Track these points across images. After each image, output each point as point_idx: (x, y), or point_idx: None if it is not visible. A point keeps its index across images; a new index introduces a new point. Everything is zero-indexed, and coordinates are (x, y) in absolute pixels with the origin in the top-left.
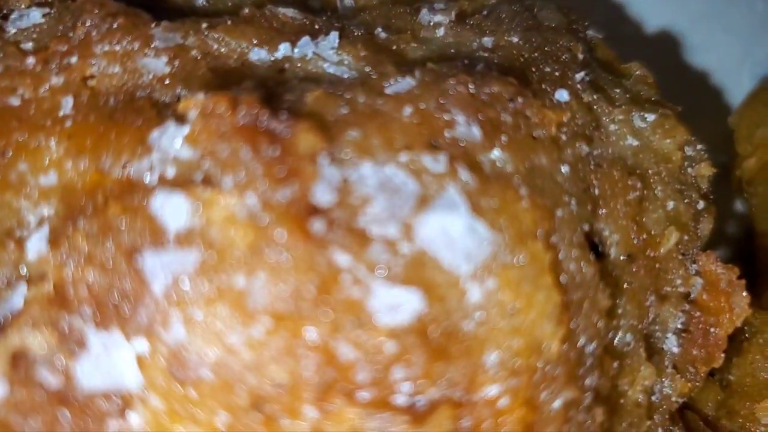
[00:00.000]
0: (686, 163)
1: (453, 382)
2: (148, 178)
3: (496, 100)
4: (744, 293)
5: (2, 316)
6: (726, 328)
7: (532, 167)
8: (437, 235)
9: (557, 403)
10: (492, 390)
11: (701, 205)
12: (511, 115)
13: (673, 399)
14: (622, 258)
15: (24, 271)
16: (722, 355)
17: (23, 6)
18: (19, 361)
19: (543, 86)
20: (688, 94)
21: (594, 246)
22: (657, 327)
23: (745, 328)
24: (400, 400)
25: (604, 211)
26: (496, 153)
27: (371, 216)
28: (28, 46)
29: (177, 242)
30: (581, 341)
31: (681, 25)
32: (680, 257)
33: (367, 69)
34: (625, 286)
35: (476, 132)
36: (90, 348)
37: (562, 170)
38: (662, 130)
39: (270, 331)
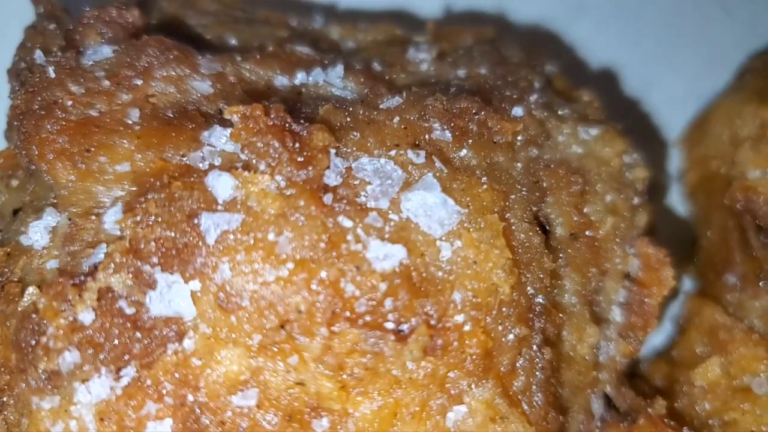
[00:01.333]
0: (625, 169)
1: (429, 314)
2: (202, 165)
3: (465, 113)
4: (670, 268)
5: (88, 266)
6: (656, 297)
7: (492, 163)
8: (418, 208)
9: (511, 336)
10: (459, 318)
11: (637, 201)
12: (476, 125)
13: (618, 359)
14: (565, 235)
15: (103, 236)
16: (656, 320)
17: (93, 43)
18: (104, 295)
19: (503, 105)
20: (631, 122)
21: (542, 225)
22: (601, 298)
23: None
24: (389, 325)
25: (550, 199)
26: (464, 151)
27: (369, 193)
28: (101, 74)
29: (225, 207)
30: (530, 291)
31: (627, 59)
32: (618, 241)
33: (366, 91)
34: (569, 252)
35: (449, 136)
36: (157, 286)
37: (517, 167)
38: (603, 141)
39: (293, 271)
